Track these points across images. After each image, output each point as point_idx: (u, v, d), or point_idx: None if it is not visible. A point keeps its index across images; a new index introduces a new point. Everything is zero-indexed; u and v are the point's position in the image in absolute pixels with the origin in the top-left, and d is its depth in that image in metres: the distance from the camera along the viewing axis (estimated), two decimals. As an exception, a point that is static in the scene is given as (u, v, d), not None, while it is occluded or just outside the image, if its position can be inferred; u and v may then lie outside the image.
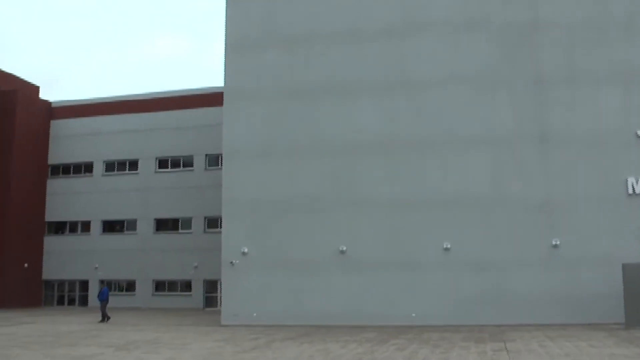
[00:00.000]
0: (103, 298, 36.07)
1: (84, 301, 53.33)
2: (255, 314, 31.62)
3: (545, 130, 30.50)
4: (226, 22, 34.92)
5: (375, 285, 30.96)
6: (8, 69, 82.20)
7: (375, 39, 32.87)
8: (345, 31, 33.25)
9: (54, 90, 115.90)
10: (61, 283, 55.78)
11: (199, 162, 52.61)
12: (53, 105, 58.78)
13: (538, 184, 30.21)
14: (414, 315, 30.05)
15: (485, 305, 29.73)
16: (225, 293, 32.82)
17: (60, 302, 55.51)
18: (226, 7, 35.09)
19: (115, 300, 52.75)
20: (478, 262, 30.12)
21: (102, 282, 45.32)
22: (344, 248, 31.42)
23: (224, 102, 34.37)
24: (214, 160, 51.18)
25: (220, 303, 34.69)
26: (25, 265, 53.69)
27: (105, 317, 35.19)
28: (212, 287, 50.09)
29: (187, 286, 51.84)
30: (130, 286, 53.92)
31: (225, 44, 34.70)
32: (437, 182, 31.11)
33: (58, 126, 57.87)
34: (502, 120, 30.95)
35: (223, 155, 34.15)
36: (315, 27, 33.66)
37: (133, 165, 54.96)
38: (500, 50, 31.51)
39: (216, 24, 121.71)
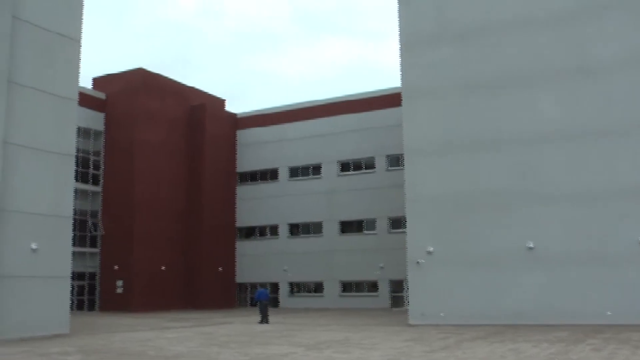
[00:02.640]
0: (262, 298, 35.38)
1: (274, 302, 55.13)
2: (442, 313, 31.11)
3: None
4: (399, 20, 34.75)
5: (566, 282, 29.39)
6: (197, 85, 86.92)
7: (552, 25, 31.25)
8: (520, 19, 31.90)
9: (238, 102, 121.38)
10: (253, 285, 58.10)
11: (380, 163, 52.89)
12: (238, 116, 61.52)
13: None
14: (609, 313, 28.21)
15: (692, 303, 27.35)
16: (412, 292, 32.60)
17: (253, 303, 57.78)
18: (398, 6, 34.94)
19: (304, 301, 54.38)
20: (682, 255, 27.77)
21: (262, 284, 48.16)
22: (532, 244, 30.17)
23: (402, 101, 34.20)
24: (395, 161, 51.22)
25: (407, 303, 34.51)
26: (220, 269, 56.51)
27: (263, 319, 34.26)
28: (398, 286, 50.14)
29: (373, 286, 52.26)
30: (318, 287, 55.20)
31: (400, 43, 34.55)
32: (628, 171, 28.95)
33: (244, 135, 60.52)
34: (702, 101, 28.37)
35: (404, 155, 33.95)
36: (489, 18, 32.59)
37: (316, 169, 56.29)
38: (697, 24, 28.93)
39: (390, 24, 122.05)
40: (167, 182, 53.99)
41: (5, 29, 25.64)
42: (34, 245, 25.93)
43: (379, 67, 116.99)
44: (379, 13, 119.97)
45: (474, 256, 31.09)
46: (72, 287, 35.85)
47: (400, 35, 34.62)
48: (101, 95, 53.66)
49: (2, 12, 25.65)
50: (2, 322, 24.27)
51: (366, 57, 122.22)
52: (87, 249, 51.23)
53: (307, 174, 56.84)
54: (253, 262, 57.92)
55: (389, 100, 51.48)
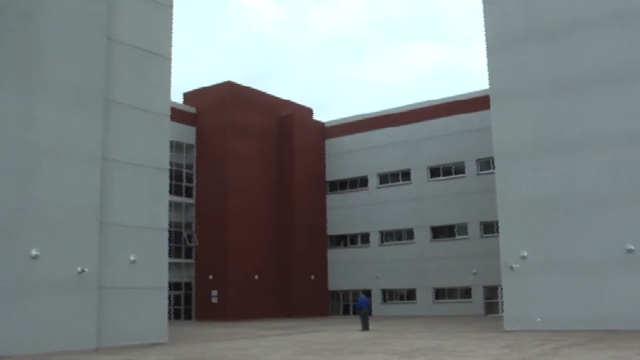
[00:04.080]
0: (362, 306, 35.28)
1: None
2: (539, 319, 30.34)
3: None
4: (485, 22, 34.24)
5: (672, 286, 28.16)
6: (284, 95, 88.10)
7: (646, 18, 30.13)
8: (611, 13, 30.76)
9: (325, 110, 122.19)
10: (345, 293, 58.28)
11: (470, 167, 52.20)
12: (326, 125, 61.92)
13: None
14: None
15: None
16: (507, 298, 31.97)
17: (346, 311, 57.99)
18: (483, 8, 34.43)
19: (396, 308, 54.16)
20: None
21: (363, 292, 48.76)
22: (632, 247, 29.05)
23: (491, 103, 33.67)
24: (485, 165, 50.48)
25: (502, 309, 33.86)
26: (312, 277, 56.88)
27: (364, 326, 34.15)
28: (492, 292, 49.33)
29: (466, 293, 51.57)
30: (410, 294, 54.86)
31: (486, 45, 34.04)
32: None
33: (332, 144, 60.85)
34: None
35: (494, 158, 33.38)
36: (578, 14, 31.61)
37: (405, 175, 56.02)
38: None
39: (476, 26, 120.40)
40: (258, 193, 54.82)
41: (101, 50, 26.71)
42: (132, 257, 26.82)
43: (465, 71, 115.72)
44: (464, 16, 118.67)
45: (571, 260, 30.19)
46: (169, 297, 36.86)
47: (487, 37, 34.11)
48: (192, 109, 55.07)
49: (99, 35, 26.73)
50: (104, 331, 25.20)
51: (452, 61, 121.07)
52: (183, 260, 52.54)
53: (397, 181, 56.65)
54: (345, 270, 58.08)
55: (477, 103, 50.79)
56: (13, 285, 22.64)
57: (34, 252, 23.18)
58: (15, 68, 23.93)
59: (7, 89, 23.55)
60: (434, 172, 54.64)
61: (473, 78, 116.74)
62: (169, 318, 31.65)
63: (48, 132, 24.44)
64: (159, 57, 29.52)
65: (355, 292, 56.46)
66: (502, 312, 32.78)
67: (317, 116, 64.47)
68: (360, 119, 59.79)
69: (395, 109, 57.77)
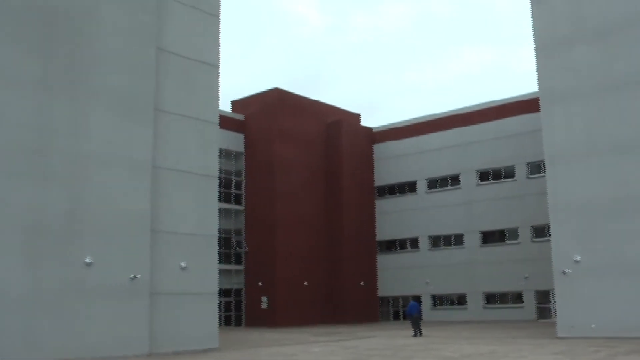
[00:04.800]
0: (412, 312, 34.92)
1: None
2: (593, 325, 29.69)
3: None
4: (533, 22, 33.76)
5: None
6: (331, 100, 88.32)
7: None
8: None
9: (373, 115, 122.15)
10: (395, 299, 58.02)
11: (520, 171, 51.56)
12: (374, 130, 61.82)
13: None
14: None
15: None
16: (560, 303, 31.39)
17: (396, 317, 57.72)
18: (531, 8, 33.96)
19: (446, 314, 53.75)
20: None
21: (413, 297, 48.80)
22: (689, 251, 28.24)
23: (540, 105, 33.17)
24: (536, 168, 49.80)
25: (555, 314, 33.28)
26: (362, 283, 56.74)
27: (416, 332, 33.99)
28: (544, 297, 48.56)
29: (518, 298, 50.91)
30: (461, 299, 54.37)
31: (535, 46, 33.54)
32: None
33: (380, 149, 60.73)
34: None
35: (545, 161, 32.86)
36: (630, 12, 30.84)
37: (455, 180, 55.60)
38: None
39: (523, 27, 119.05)
40: (306, 199, 54.96)
41: (151, 60, 27.13)
42: (183, 264, 27.08)
43: (515, 73, 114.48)
44: (511, 17, 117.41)
45: (626, 264, 29.43)
46: (220, 303, 37.14)
47: (535, 37, 33.62)
48: (240, 116, 55.51)
49: (148, 45, 27.16)
50: (156, 337, 25.49)
51: (501, 63, 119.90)
52: (232, 266, 52.91)
53: (446, 185, 56.25)
54: (394, 275, 57.83)
55: (526, 105, 50.18)
56: (68, 291, 23.12)
57: (87, 260, 23.61)
58: (67, 78, 24.47)
59: (59, 98, 24.11)
60: (484, 176, 54.13)
61: (522, 79, 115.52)
62: (220, 324, 31.86)
63: (99, 140, 24.91)
64: (207, 66, 29.83)
65: (405, 298, 56.14)
66: (555, 317, 32.17)
67: (364, 118, 64.62)
68: (408, 123, 59.59)
69: (443, 113, 57.41)
